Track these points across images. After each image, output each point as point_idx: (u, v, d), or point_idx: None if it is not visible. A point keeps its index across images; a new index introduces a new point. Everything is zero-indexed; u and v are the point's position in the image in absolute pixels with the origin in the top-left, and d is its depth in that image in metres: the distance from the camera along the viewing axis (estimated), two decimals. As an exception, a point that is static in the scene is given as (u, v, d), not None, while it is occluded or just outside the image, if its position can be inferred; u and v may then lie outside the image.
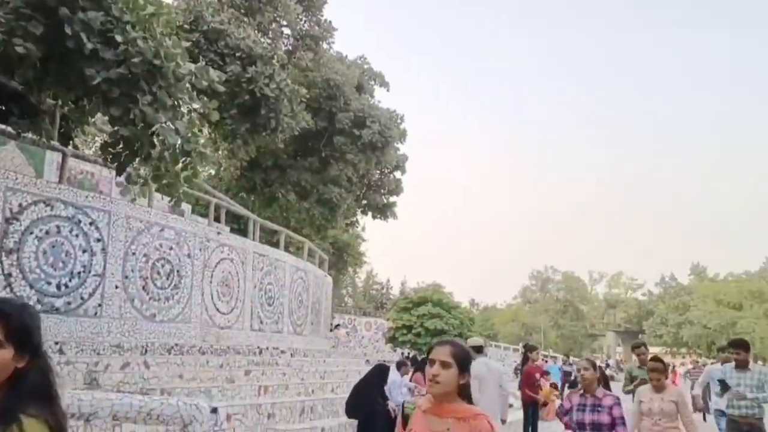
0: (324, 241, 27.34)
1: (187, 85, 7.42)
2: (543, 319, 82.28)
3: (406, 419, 4.92)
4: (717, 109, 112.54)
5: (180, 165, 7.85)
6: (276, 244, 16.79)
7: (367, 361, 17.38)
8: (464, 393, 2.79)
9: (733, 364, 7.52)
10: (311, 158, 20.88)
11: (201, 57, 12.62)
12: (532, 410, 11.97)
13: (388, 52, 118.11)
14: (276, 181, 21.17)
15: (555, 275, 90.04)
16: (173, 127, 7.35)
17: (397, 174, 23.95)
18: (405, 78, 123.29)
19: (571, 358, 44.66)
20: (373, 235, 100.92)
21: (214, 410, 7.70)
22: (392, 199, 24.40)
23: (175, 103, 7.37)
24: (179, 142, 7.45)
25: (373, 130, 19.81)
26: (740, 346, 7.40)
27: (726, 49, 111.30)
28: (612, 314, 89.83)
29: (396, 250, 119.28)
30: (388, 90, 22.96)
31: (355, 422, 9.14)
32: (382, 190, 23.84)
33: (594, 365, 5.51)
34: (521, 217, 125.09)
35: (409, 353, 32.94)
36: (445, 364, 2.74)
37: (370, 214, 24.75)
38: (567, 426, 5.66)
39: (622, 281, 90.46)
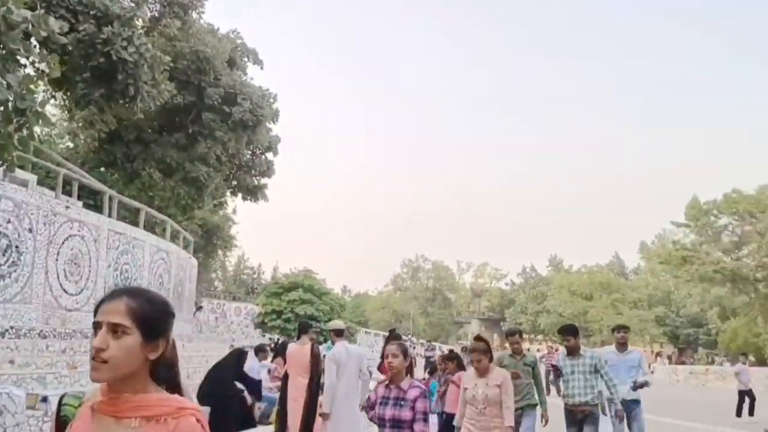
0: (191, 221, 26.17)
1: (22, 34, 6.56)
2: (413, 307, 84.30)
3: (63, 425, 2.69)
4: (578, 111, 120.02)
5: (13, 125, 6.97)
6: (138, 223, 15.80)
7: (232, 346, 16.81)
8: (164, 375, 1.74)
9: (565, 351, 7.34)
10: (178, 134, 19.74)
11: (51, 13, 11.44)
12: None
13: (263, 30, 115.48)
14: (139, 156, 19.86)
15: (425, 264, 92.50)
16: (3, 82, 6.50)
17: (269, 155, 23.25)
18: (280, 58, 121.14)
19: (434, 344, 46.04)
20: (245, 219, 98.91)
21: (45, 399, 6.98)
22: (263, 180, 23.70)
23: (7, 53, 6.51)
24: (11, 98, 6.60)
25: (244, 108, 19.00)
26: (569, 332, 7.17)
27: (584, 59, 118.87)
28: (477, 302, 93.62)
29: (269, 235, 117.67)
30: (261, 68, 22.15)
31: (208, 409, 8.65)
32: (253, 171, 23.07)
33: (404, 351, 4.72)
34: (395, 206, 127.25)
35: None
36: (117, 329, 1.61)
37: (240, 195, 23.91)
38: (373, 420, 4.89)
39: (487, 271, 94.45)
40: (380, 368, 12.04)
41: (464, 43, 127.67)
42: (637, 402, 7.85)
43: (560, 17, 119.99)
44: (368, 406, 5.06)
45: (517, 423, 6.88)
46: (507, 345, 8.24)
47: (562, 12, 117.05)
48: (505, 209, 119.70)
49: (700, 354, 61.16)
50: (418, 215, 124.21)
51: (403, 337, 16.70)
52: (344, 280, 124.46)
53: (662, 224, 75.59)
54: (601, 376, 6.99)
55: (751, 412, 16.99)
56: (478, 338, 5.85)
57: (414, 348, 47.33)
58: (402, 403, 4.49)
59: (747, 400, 17.18)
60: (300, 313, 32.67)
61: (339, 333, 8.39)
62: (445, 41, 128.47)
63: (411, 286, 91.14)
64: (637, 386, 7.75)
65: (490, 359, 5.61)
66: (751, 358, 44.49)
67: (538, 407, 7.39)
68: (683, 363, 51.78)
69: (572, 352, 7.11)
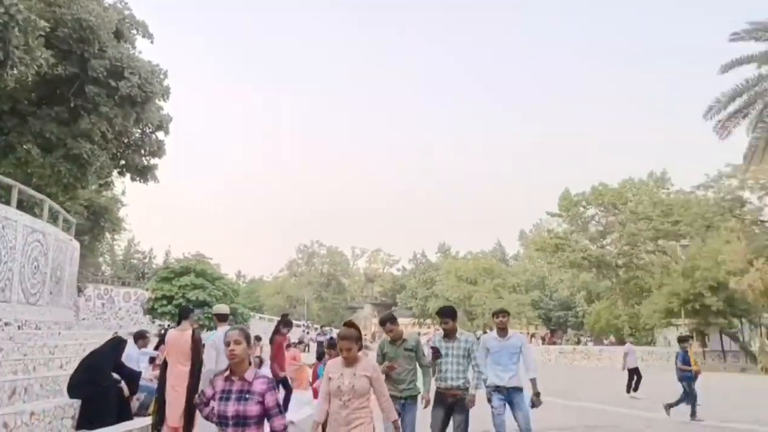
0: (75, 202, 24.09)
1: None
2: (307, 292, 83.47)
3: None
4: (468, 104, 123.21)
5: None
6: (10, 202, 14.13)
7: (116, 333, 15.50)
8: None
9: (442, 333, 6.97)
10: (59, 107, 17.89)
11: None
12: (283, 384, 10.94)
13: (155, 3, 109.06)
14: (14, 129, 17.87)
15: (321, 250, 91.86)
16: None
17: (160, 135, 21.64)
18: (173, 32, 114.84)
19: (327, 328, 45.70)
20: (136, 201, 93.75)
21: None
22: (154, 161, 22.07)
23: None
24: None
25: (132, 83, 17.45)
26: (447, 314, 6.81)
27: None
28: (370, 288, 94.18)
29: (162, 218, 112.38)
30: (152, 42, 20.44)
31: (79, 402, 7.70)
32: (143, 151, 21.40)
33: (247, 338, 4.05)
34: (292, 191, 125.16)
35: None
36: None
37: (128, 175, 22.16)
38: (209, 418, 4.09)
39: (380, 257, 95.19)
40: (273, 356, 11.37)
41: (367, 33, 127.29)
42: (518, 390, 7.29)
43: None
44: (202, 402, 4.14)
45: (399, 414, 6.38)
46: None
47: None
48: (398, 197, 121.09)
49: (569, 335, 64.53)
50: (315, 201, 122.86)
51: (297, 323, 16.09)
52: (239, 266, 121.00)
53: (539, 214, 79.21)
54: (471, 360, 6.69)
55: (636, 388, 17.50)
56: (349, 324, 5.05)
57: (308, 333, 46.83)
58: (247, 396, 3.86)
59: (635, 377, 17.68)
60: (192, 298, 31.16)
61: (222, 318, 7.83)
62: (345, 31, 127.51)
63: (306, 272, 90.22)
64: (535, 405, 7.23)
65: (360, 348, 4.97)
66: (612, 337, 47.50)
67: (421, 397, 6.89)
68: (554, 343, 54.35)
69: (449, 334, 6.80)
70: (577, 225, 48.17)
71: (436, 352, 6.74)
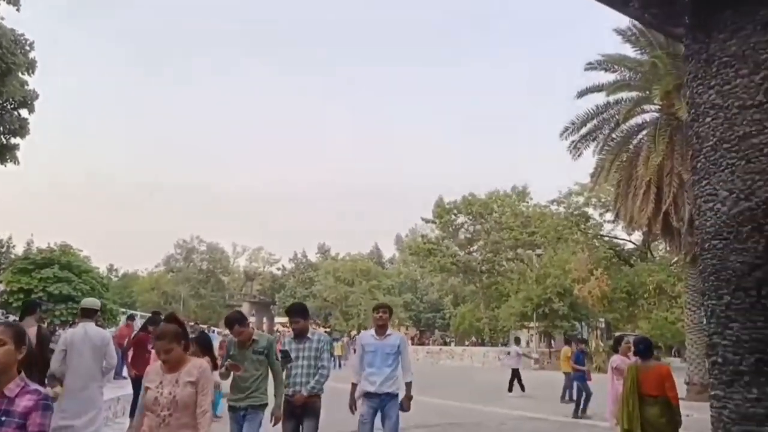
0: None
1: None
2: (184, 288, 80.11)
3: None
4: (344, 102, 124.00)
5: None
6: None
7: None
8: None
9: (292, 334, 6.27)
10: None
11: None
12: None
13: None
14: None
15: (200, 245, 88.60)
16: None
17: (23, 112, 19.56)
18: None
19: (201, 325, 43.79)
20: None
21: None
22: (15, 140, 19.94)
23: None
24: None
25: (-13, 51, 15.69)
26: (298, 312, 6.13)
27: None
28: (250, 286, 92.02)
29: (23, 204, 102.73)
30: (18, 9, 18.34)
31: None
32: (1, 128, 19.28)
33: (16, 336, 2.76)
34: (170, 184, 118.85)
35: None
36: None
37: (-17, 155, 19.84)
38: None
39: (261, 256, 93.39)
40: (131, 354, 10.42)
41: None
42: (392, 396, 6.32)
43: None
44: None
45: (240, 426, 5.77)
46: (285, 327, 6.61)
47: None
48: (281, 197, 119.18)
49: (436, 335, 66.41)
50: (195, 194, 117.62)
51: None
52: (111, 259, 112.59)
53: (415, 220, 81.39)
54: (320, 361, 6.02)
55: (521, 387, 18.09)
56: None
57: (213, 332, 44.72)
58: (3, 419, 2.59)
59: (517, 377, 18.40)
60: (54, 292, 28.62)
61: (87, 313, 6.93)
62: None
63: (184, 268, 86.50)
64: (404, 408, 6.43)
65: (186, 348, 3.90)
66: (473, 338, 49.52)
67: (270, 407, 5.96)
68: (423, 344, 55.73)
69: (300, 334, 6.08)
70: (448, 232, 49.79)
71: (286, 356, 5.98)
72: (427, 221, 51.38)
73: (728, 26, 4.76)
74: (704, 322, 4.51)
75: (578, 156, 19.44)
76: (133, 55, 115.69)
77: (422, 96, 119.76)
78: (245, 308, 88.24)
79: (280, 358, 6.03)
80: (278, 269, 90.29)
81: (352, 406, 6.38)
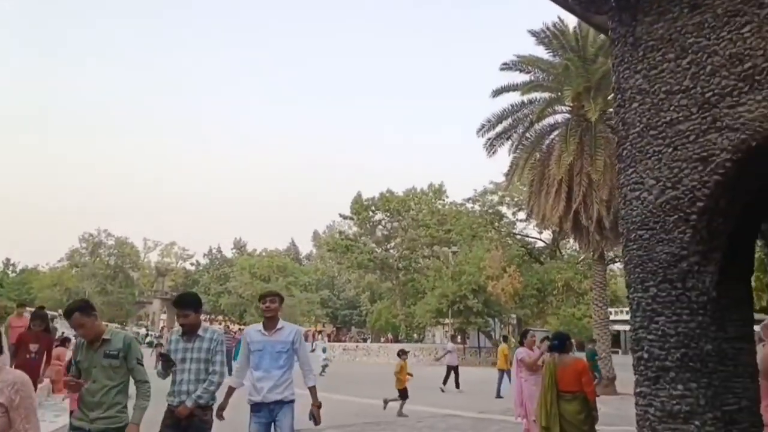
0: None
1: None
2: (90, 285, 75.52)
3: None
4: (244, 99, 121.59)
5: None
6: None
7: None
8: None
9: (180, 330, 5.11)
10: None
11: None
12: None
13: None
14: None
15: (108, 240, 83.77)
16: None
17: None
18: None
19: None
20: None
21: None
22: None
23: None
24: None
25: None
26: (186, 304, 5.02)
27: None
28: (161, 282, 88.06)
29: None
30: None
31: None
32: None
33: None
34: (76, 174, 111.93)
35: None
36: None
37: None
38: None
39: (174, 251, 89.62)
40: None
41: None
42: (283, 403, 5.22)
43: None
44: None
45: None
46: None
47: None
48: (196, 190, 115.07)
49: (353, 332, 66.10)
50: (101, 185, 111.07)
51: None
52: (8, 253, 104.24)
53: (333, 216, 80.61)
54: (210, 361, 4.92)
55: (457, 385, 18.23)
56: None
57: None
58: None
59: (453, 374, 18.57)
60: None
61: None
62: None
63: (90, 263, 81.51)
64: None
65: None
66: (389, 335, 49.59)
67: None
68: (340, 340, 55.25)
69: (189, 331, 4.96)
70: (366, 228, 49.55)
71: (165, 360, 4.86)
72: (344, 218, 50.96)
73: (654, 9, 4.55)
74: (630, 317, 4.29)
75: (493, 153, 19.61)
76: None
77: (341, 90, 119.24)
78: (156, 305, 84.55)
79: (173, 362, 4.84)
80: (192, 264, 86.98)
81: (221, 412, 5.16)
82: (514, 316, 36.76)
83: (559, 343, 6.84)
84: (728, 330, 4.10)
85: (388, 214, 47.94)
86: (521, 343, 9.28)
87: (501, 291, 30.95)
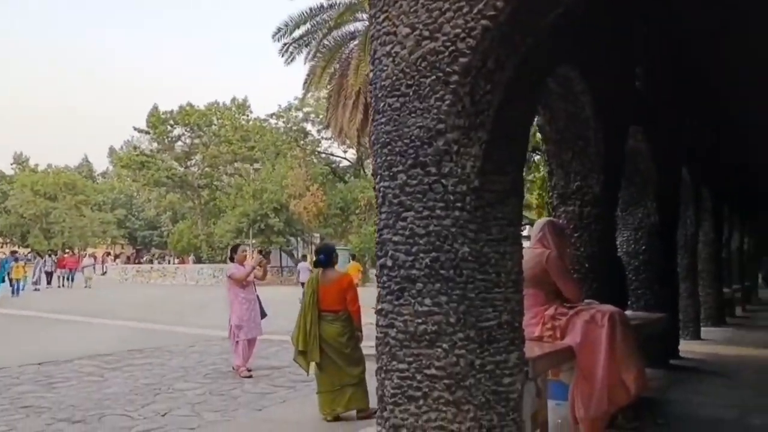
0: None
1: None
2: None
3: None
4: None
5: None
6: None
7: None
8: None
9: None
10: None
11: None
12: None
13: None
14: None
15: None
16: None
17: None
18: None
19: None
20: None
21: None
22: None
23: None
24: None
25: None
26: None
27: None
28: None
29: None
30: None
31: None
32: None
33: None
34: None
35: None
36: None
37: None
38: None
39: (-65, 168, 75.21)
40: None
41: None
42: None
43: None
44: None
45: None
46: None
47: None
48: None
49: (153, 253, 62.10)
50: None
51: None
52: None
53: (131, 131, 72.63)
54: None
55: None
56: None
57: None
58: None
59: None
60: None
61: None
62: None
63: None
64: None
65: None
66: (192, 256, 46.94)
67: None
68: (139, 262, 51.56)
69: None
70: (164, 144, 45.29)
71: None
72: (140, 131, 46.02)
73: None
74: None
75: (291, 61, 17.94)
76: None
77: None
78: None
79: None
80: (-38, 182, 73.96)
81: None
82: (317, 235, 36.33)
83: (325, 257, 5.80)
84: (492, 230, 3.25)
85: (189, 129, 44.07)
86: (231, 259, 8.27)
87: (304, 210, 30.06)
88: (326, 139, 35.59)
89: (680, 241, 7.40)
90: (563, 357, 3.72)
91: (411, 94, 2.94)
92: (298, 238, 37.14)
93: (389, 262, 3.01)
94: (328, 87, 18.08)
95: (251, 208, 32.11)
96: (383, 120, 3.06)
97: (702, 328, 8.03)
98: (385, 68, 3.04)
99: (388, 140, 3.04)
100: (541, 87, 3.64)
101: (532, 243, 4.08)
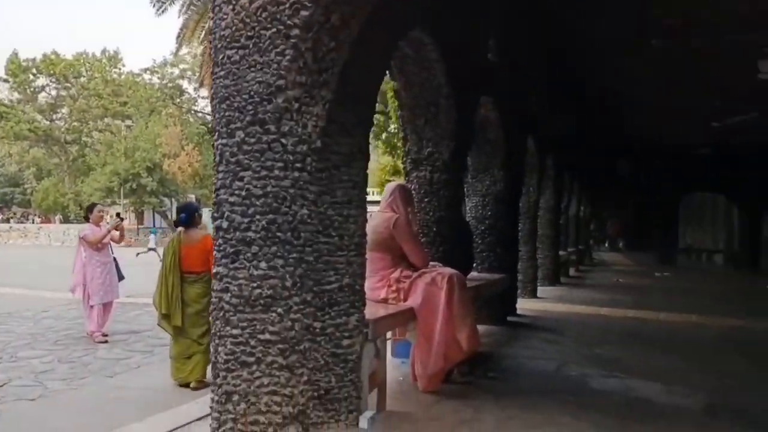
0: None
1: None
2: None
3: None
4: None
5: None
6: None
7: None
8: None
9: None
10: None
11: None
12: None
13: None
14: None
15: None
16: None
17: None
18: None
19: None
20: None
21: None
22: None
23: None
24: None
25: None
26: None
27: None
28: None
29: None
30: None
31: None
32: None
33: None
34: None
35: None
36: None
37: None
38: None
39: None
40: None
41: None
42: None
43: None
44: None
45: None
46: None
47: None
48: None
49: (15, 212, 56.07)
50: None
51: None
52: None
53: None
54: None
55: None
56: None
57: None
58: None
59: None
60: None
61: None
62: None
63: None
64: None
65: None
66: (60, 216, 42.92)
67: None
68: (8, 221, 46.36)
69: None
70: (26, 94, 40.45)
71: None
72: (-1, 80, 40.72)
73: None
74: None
75: (162, 12, 16.44)
76: None
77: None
78: None
79: None
80: None
81: None
82: (192, 196, 34.54)
83: (186, 217, 5.33)
84: (336, 193, 3.09)
85: (54, 80, 39.61)
86: (86, 219, 7.42)
87: (178, 170, 28.33)
88: (203, 98, 33.60)
89: (523, 208, 7.75)
90: (405, 318, 3.69)
91: (251, 46, 2.66)
92: (173, 199, 35.12)
93: (225, 224, 2.75)
94: (203, 43, 16.85)
95: (123, 166, 29.74)
96: (222, 73, 2.75)
97: (539, 288, 8.52)
98: (225, 17, 2.72)
99: (226, 95, 2.74)
100: (391, 50, 3.49)
101: (382, 207, 3.99)
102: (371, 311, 3.47)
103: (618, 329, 5.95)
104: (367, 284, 4.00)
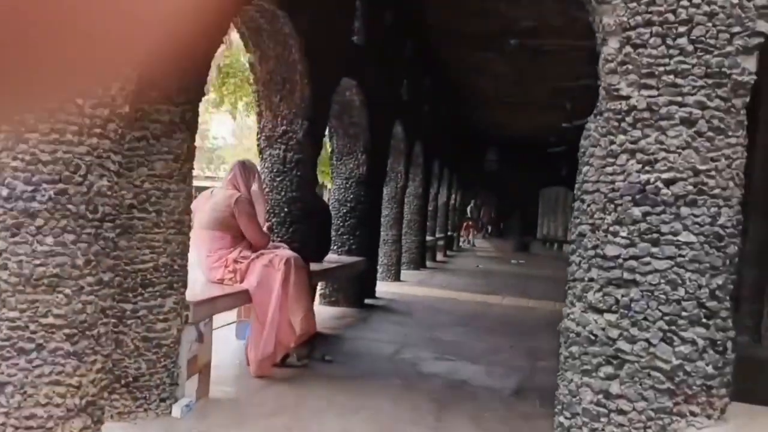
0: None
1: None
2: None
3: None
4: None
5: None
6: None
7: None
8: None
9: None
10: None
11: None
12: None
13: None
14: None
15: None
16: None
17: None
18: None
19: None
20: None
21: None
22: None
23: None
24: None
25: None
26: None
27: None
28: None
29: None
30: None
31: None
32: None
33: None
34: None
35: None
36: None
37: None
38: None
39: None
40: None
41: None
42: None
43: None
44: None
45: None
46: None
47: None
48: None
49: None
50: None
51: None
52: None
53: None
54: None
55: None
56: None
57: None
58: None
59: None
60: None
61: None
62: None
63: None
64: None
65: None
66: None
67: None
68: None
69: None
70: None
71: None
72: None
73: None
74: None
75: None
76: None
77: None
78: None
79: None
80: None
81: None
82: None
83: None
84: (155, 165, 2.71)
85: None
86: None
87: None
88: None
89: (391, 193, 7.65)
90: (237, 300, 3.39)
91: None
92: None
93: (5, 192, 2.27)
94: None
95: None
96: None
97: (403, 271, 8.50)
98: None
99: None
100: (227, 22, 3.11)
101: (224, 184, 3.63)
102: (197, 292, 3.13)
103: (462, 312, 6.01)
104: (205, 264, 3.64)
